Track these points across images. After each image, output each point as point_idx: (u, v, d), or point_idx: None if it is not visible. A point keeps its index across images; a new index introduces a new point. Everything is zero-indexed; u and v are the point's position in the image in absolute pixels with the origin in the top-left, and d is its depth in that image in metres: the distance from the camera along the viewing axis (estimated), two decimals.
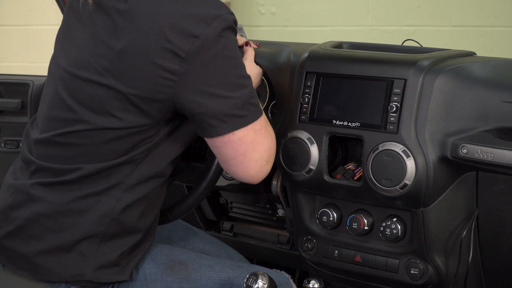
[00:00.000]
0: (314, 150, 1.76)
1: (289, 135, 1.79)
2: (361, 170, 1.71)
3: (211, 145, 1.56)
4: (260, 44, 1.98)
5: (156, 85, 1.48)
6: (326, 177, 1.75)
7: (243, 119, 1.53)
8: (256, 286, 1.52)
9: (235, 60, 1.53)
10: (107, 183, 1.53)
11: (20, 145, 1.65)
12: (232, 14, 1.54)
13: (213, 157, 1.68)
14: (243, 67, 1.55)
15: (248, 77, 1.56)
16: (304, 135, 1.77)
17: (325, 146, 1.75)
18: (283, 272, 1.76)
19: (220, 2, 1.54)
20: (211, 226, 2.21)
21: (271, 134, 1.61)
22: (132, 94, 1.48)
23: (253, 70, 1.76)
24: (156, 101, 1.50)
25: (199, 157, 1.84)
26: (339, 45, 1.92)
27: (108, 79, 1.49)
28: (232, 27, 1.52)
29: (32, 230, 1.54)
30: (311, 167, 1.75)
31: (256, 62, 1.95)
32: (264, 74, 1.96)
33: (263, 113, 1.59)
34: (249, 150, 1.55)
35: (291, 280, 1.74)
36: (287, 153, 1.79)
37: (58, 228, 1.53)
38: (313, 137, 1.76)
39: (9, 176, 1.63)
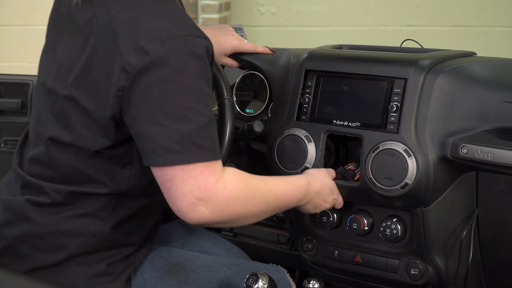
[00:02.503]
0: (311, 148, 1.75)
1: (286, 132, 1.79)
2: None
3: None
4: (275, 50, 1.98)
5: (111, 101, 1.40)
6: None
7: (176, 156, 1.36)
8: (256, 286, 1.52)
9: (187, 89, 1.37)
10: (93, 205, 1.49)
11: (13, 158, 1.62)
12: (203, 38, 1.40)
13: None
14: (198, 100, 1.38)
15: (202, 114, 1.38)
16: (301, 133, 1.77)
17: (322, 145, 1.75)
18: (279, 266, 1.76)
19: (191, 23, 1.41)
20: (211, 227, 2.21)
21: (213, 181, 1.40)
22: (96, 111, 1.43)
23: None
24: (112, 118, 1.42)
25: None
26: (339, 47, 1.92)
27: (74, 93, 1.44)
28: (197, 53, 1.38)
29: (21, 249, 1.52)
30: (307, 165, 1.75)
31: (255, 64, 1.95)
32: (264, 75, 1.96)
33: (210, 161, 1.39)
34: (176, 180, 1.38)
35: (288, 275, 1.74)
36: (283, 150, 1.78)
37: (46, 249, 1.51)
38: (311, 135, 1.76)
39: (4, 189, 1.61)
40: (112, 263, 1.54)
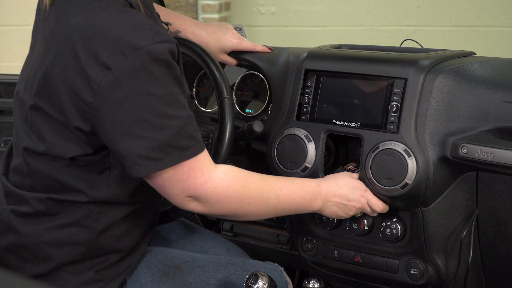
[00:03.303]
0: (311, 147, 1.75)
1: (286, 132, 1.79)
2: None
3: None
4: (273, 49, 1.98)
5: (78, 114, 1.38)
6: (322, 176, 1.74)
7: (158, 163, 1.37)
8: (256, 286, 1.52)
9: (158, 97, 1.34)
10: (76, 214, 1.48)
11: None
12: (166, 42, 1.36)
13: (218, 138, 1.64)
14: (171, 104, 1.37)
15: (177, 116, 1.37)
16: (301, 133, 1.76)
17: (322, 144, 1.75)
18: (276, 264, 1.76)
19: (153, 28, 1.36)
20: (211, 226, 2.21)
21: (201, 176, 1.42)
22: (63, 121, 1.40)
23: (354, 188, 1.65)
24: (82, 130, 1.40)
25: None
26: (339, 46, 1.92)
27: (39, 103, 1.43)
28: (162, 59, 1.34)
29: (9, 260, 1.51)
30: (307, 165, 1.75)
31: (255, 63, 1.95)
32: (264, 74, 1.96)
33: (193, 157, 1.40)
34: (166, 185, 1.41)
35: (284, 272, 1.74)
36: (283, 150, 1.78)
37: (34, 259, 1.50)
38: (311, 135, 1.75)
39: None
40: (101, 270, 1.53)
